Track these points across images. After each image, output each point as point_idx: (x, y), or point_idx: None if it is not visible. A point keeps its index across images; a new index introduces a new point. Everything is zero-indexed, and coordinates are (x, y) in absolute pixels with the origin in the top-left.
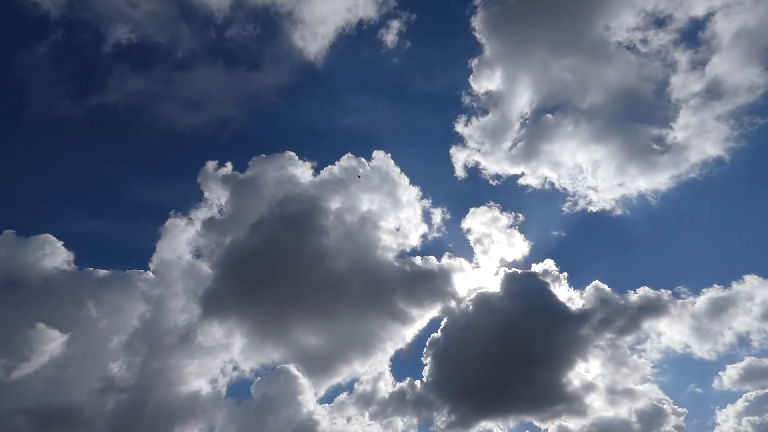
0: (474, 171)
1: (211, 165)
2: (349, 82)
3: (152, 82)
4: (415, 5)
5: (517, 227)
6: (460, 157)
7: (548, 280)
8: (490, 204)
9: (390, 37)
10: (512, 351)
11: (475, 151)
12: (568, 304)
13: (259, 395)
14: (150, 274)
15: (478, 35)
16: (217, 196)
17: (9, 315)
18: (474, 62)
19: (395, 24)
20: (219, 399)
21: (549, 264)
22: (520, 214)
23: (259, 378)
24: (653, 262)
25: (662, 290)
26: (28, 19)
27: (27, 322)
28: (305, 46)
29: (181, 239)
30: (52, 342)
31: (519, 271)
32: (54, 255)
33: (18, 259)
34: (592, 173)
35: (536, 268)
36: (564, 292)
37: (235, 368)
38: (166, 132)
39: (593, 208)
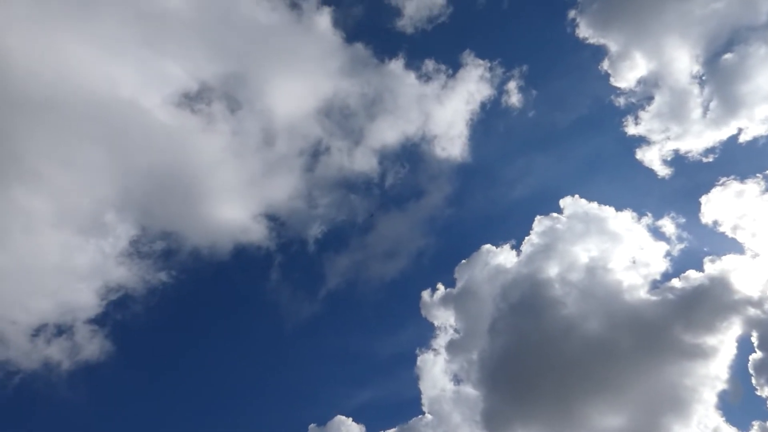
0: (677, 160)
1: (425, 294)
2: (502, 157)
3: (353, 253)
4: (519, 58)
5: None
6: (652, 156)
7: None
8: (720, 182)
9: (514, 98)
10: None
11: (665, 141)
12: None
13: None
14: (428, 416)
15: (592, 41)
16: (444, 319)
17: None
18: (605, 65)
19: (512, 85)
20: None
21: None
22: None
23: None
24: None
25: None
26: (257, 259)
27: None
28: (449, 153)
29: (435, 372)
30: None
31: None
32: None
33: None
34: None
35: None
36: None
37: None
38: (381, 288)
39: None
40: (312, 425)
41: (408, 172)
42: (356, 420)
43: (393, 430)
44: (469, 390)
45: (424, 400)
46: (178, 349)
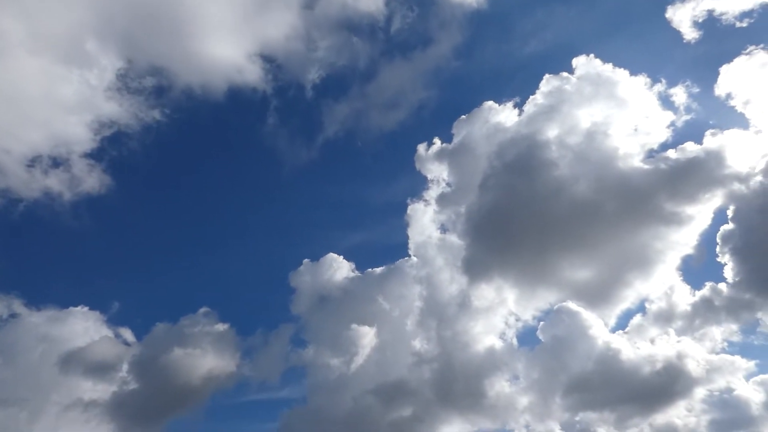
0: (709, 23)
1: (421, 148)
2: (520, 6)
3: (353, 101)
4: None
5: None
6: (683, 17)
7: None
8: (747, 50)
9: None
10: None
11: None
12: None
13: (548, 338)
14: (414, 258)
15: None
16: (438, 173)
17: (330, 324)
18: None
19: None
20: (513, 350)
21: None
22: None
23: (542, 323)
24: None
25: None
26: (252, 102)
27: (344, 326)
28: None
29: (424, 221)
30: (366, 336)
31: None
32: (341, 268)
33: (319, 279)
34: None
35: None
36: None
37: (517, 319)
38: (380, 138)
39: None
40: (306, 260)
41: (417, 17)
42: (347, 258)
43: (380, 268)
44: (454, 239)
45: (411, 245)
46: (177, 186)
